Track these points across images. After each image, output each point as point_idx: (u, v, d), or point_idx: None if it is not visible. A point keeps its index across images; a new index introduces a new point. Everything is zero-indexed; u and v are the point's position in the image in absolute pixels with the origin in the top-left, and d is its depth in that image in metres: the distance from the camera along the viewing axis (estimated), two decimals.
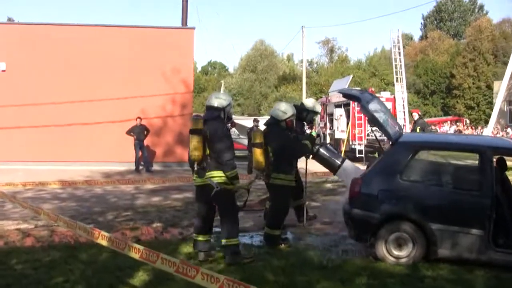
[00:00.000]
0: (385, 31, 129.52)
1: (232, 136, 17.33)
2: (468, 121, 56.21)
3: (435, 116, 67.29)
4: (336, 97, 31.47)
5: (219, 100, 8.26)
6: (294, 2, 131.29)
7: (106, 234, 6.20)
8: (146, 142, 23.64)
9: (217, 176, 7.99)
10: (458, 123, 51.99)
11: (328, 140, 31.76)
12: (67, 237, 9.78)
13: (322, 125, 32.78)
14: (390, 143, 8.49)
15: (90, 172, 21.64)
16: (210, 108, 8.25)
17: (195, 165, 8.26)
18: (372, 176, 8.34)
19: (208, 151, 8.08)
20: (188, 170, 23.58)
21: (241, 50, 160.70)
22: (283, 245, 9.22)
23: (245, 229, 10.70)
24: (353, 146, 28.26)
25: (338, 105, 30.59)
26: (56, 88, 24.29)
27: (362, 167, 9.96)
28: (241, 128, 29.42)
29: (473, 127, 47.57)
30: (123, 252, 6.03)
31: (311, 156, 9.83)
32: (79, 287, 7.00)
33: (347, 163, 9.48)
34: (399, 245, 8.12)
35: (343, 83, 33.35)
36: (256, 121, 23.68)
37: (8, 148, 23.89)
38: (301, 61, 65.35)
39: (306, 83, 55.80)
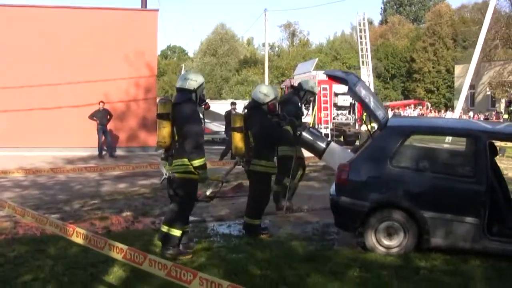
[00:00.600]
0: (345, 15, 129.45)
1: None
2: (429, 105, 56.53)
3: (395, 100, 67.56)
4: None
5: (189, 81, 7.55)
6: None
7: (81, 231, 5.55)
8: (109, 126, 22.96)
9: (182, 164, 7.38)
10: (420, 107, 52.24)
11: None
12: (32, 228, 9.07)
13: None
14: (379, 127, 8.02)
15: (52, 158, 20.85)
16: (180, 90, 7.58)
17: (163, 152, 7.63)
18: (360, 162, 7.86)
19: (176, 137, 7.44)
20: (153, 155, 23.51)
21: (201, 34, 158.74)
22: (263, 235, 8.72)
23: (221, 217, 10.17)
24: (319, 130, 27.95)
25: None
26: (15, 71, 23.27)
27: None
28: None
29: (436, 111, 47.82)
30: (101, 251, 5.37)
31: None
32: (50, 286, 6.36)
33: (333, 145, 8.93)
34: (389, 234, 7.69)
35: (308, 66, 32.97)
36: (233, 104, 22.93)
37: None
38: (262, 45, 64.98)
39: (268, 67, 55.25)
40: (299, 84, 10.88)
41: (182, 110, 7.35)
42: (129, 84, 24.06)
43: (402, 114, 44.05)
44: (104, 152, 22.42)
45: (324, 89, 28.32)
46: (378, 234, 7.70)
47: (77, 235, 5.45)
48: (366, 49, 29.71)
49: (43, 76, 23.24)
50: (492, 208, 7.55)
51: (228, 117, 19.66)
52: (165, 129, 7.35)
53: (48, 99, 23.22)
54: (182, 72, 68.45)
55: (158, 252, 7.53)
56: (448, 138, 8.29)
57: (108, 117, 22.48)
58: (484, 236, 7.46)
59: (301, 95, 10.63)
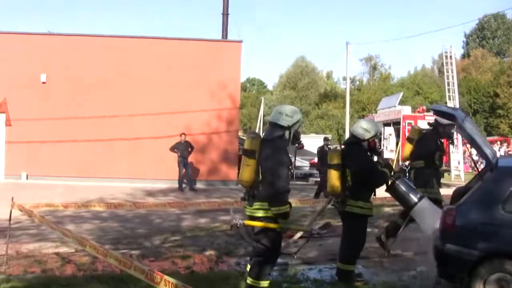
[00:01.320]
0: (426, 48, 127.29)
1: None
2: None
3: None
4: (385, 115, 30.22)
5: (284, 116, 6.73)
6: (333, 19, 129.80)
7: (171, 280, 5.01)
8: (190, 159, 22.77)
9: (261, 208, 6.58)
10: (505, 144, 50.03)
11: (375, 160, 30.47)
12: (112, 265, 8.71)
13: None
14: (489, 167, 7.23)
15: (131, 189, 20.80)
16: (273, 125, 6.82)
17: (245, 192, 6.82)
18: (469, 206, 7.07)
19: (261, 177, 6.63)
20: (234, 189, 23.15)
21: (280, 66, 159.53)
22: (358, 282, 8.02)
23: (309, 260, 9.51)
24: (403, 167, 26.91)
25: (387, 124, 29.35)
26: (98, 101, 23.62)
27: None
28: None
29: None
30: None
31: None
32: None
33: (425, 201, 8.14)
34: (501, 287, 6.86)
35: (393, 100, 31.94)
36: (326, 140, 22.23)
37: (49, 163, 23.25)
38: (343, 79, 64.29)
39: (349, 101, 54.41)
40: (436, 120, 10.16)
41: (271, 148, 6.64)
42: (211, 116, 23.92)
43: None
44: (184, 185, 22.20)
45: (409, 124, 27.32)
46: (487, 287, 6.88)
47: (166, 283, 4.93)
48: (453, 83, 28.55)
49: (125, 106, 23.46)
50: None
51: (321, 153, 18.99)
52: (249, 168, 6.60)
53: (130, 130, 23.43)
54: (262, 106, 68.80)
55: None
56: None
57: (190, 149, 22.31)
58: None
59: (439, 131, 9.93)
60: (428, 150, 9.85)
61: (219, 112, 23.94)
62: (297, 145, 7.26)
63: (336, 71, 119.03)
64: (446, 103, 29.18)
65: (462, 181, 24.03)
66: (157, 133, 23.19)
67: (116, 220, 13.92)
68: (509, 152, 41.77)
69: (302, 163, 29.94)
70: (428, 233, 7.77)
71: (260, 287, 6.75)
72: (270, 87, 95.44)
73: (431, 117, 28.46)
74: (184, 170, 22.12)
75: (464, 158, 26.66)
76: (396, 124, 28.13)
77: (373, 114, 36.11)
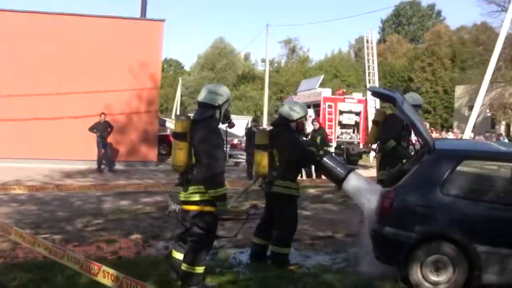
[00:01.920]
0: (343, 33, 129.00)
1: None
2: (428, 125, 55.79)
3: None
4: (305, 97, 30.34)
5: (214, 95, 6.56)
6: (253, 1, 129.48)
7: (111, 271, 4.67)
8: (109, 139, 22.14)
9: (197, 192, 6.38)
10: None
11: None
12: (34, 251, 8.21)
13: None
14: (427, 150, 7.20)
15: (49, 170, 19.98)
16: (202, 105, 6.58)
17: (179, 177, 6.58)
18: (407, 188, 7.04)
19: (194, 160, 6.43)
20: (154, 170, 22.68)
21: (198, 48, 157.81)
22: (292, 266, 7.88)
23: (240, 243, 9.29)
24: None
25: (307, 106, 29.43)
26: (14, 80, 22.42)
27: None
28: None
29: (439, 131, 47.02)
30: None
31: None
32: None
33: (354, 174, 8.06)
34: (437, 269, 6.88)
35: (313, 83, 32.17)
36: (254, 121, 21.98)
37: None
38: (261, 61, 64.33)
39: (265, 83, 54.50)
40: None
41: (202, 129, 6.41)
42: (131, 96, 23.29)
43: None
44: (103, 166, 21.60)
45: (329, 106, 27.64)
46: (424, 269, 6.89)
47: (104, 275, 4.56)
48: (373, 67, 29.05)
49: (43, 86, 22.42)
50: None
51: (249, 134, 18.78)
52: (182, 151, 6.36)
53: (48, 109, 22.43)
54: (179, 86, 67.88)
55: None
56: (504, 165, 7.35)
57: (109, 129, 21.72)
58: None
59: None
60: (395, 131, 9.78)
61: (139, 92, 23.32)
62: (227, 124, 7.06)
63: (254, 53, 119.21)
64: (365, 86, 29.63)
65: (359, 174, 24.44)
66: (76, 113, 22.34)
67: (35, 203, 13.26)
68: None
69: None
70: (363, 207, 7.66)
71: (195, 273, 6.51)
72: (187, 68, 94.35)
73: (351, 100, 28.90)
74: (103, 151, 21.54)
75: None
76: (316, 106, 28.32)
77: (293, 96, 36.20)
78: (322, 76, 35.71)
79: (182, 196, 6.53)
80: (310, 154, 8.16)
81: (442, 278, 6.86)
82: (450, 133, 44.05)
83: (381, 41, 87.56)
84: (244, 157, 27.69)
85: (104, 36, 23.15)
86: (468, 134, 24.53)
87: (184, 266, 6.53)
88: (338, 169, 7.87)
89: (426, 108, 68.08)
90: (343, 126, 28.23)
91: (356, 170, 8.27)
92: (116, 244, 9.15)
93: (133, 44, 23.24)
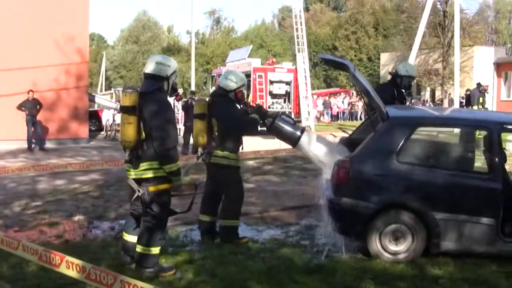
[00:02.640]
0: (267, 4, 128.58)
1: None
2: (354, 93, 56.42)
3: (318, 88, 67.39)
4: (234, 68, 29.99)
5: (162, 66, 6.21)
6: None
7: (76, 261, 4.29)
8: (39, 117, 21.20)
9: (150, 168, 6.08)
10: (345, 94, 51.91)
11: None
12: None
13: None
14: (381, 118, 7.05)
15: None
16: (149, 77, 6.24)
17: (127, 153, 6.18)
18: (363, 158, 6.88)
19: (144, 135, 6.09)
20: (86, 147, 21.96)
21: (120, 22, 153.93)
22: (242, 240, 7.67)
23: (188, 220, 8.97)
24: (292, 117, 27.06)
25: None
26: None
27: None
28: None
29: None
30: None
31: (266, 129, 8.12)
32: None
33: (307, 133, 7.83)
34: (396, 238, 6.81)
35: (243, 53, 31.86)
36: (192, 93, 21.50)
37: None
38: (186, 32, 63.34)
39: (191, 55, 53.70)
40: (396, 71, 9.90)
41: (151, 101, 6.07)
42: (59, 71, 22.24)
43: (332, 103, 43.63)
44: (33, 145, 20.75)
45: (260, 76, 27.43)
46: (383, 239, 6.80)
47: (68, 265, 4.18)
48: (302, 35, 28.86)
49: None
50: (507, 207, 6.77)
51: (186, 107, 18.34)
52: (131, 126, 5.99)
53: None
54: (103, 60, 66.30)
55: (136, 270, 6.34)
56: (456, 131, 7.30)
57: (38, 107, 20.84)
58: (499, 238, 6.70)
59: (398, 82, 9.62)
60: (385, 101, 9.59)
61: (68, 67, 22.34)
62: (175, 96, 6.78)
63: (178, 25, 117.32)
64: (295, 55, 29.51)
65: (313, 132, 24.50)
66: (2, 91, 21.13)
67: None
68: (353, 103, 43.39)
69: None
70: (322, 165, 7.48)
71: (151, 254, 6.21)
72: (110, 43, 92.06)
73: (281, 69, 28.76)
74: (32, 129, 20.66)
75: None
76: (246, 76, 27.98)
77: (221, 67, 35.84)
78: (251, 46, 35.46)
79: (133, 173, 6.18)
80: (251, 122, 7.77)
81: (401, 247, 6.80)
82: None
83: (305, 10, 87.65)
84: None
85: (28, 10, 21.89)
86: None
87: (139, 248, 6.21)
88: (292, 130, 7.64)
89: None
90: (274, 96, 28.08)
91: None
92: (59, 227, 8.75)
93: (59, 17, 22.13)
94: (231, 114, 7.63)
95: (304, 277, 6.15)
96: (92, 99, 26.06)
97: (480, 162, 7.44)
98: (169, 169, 6.05)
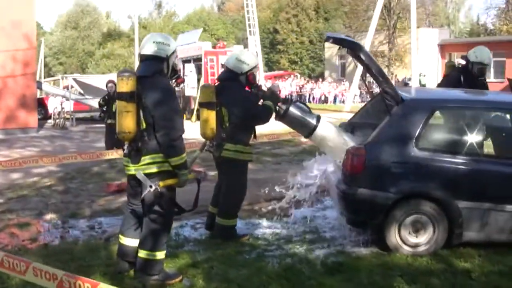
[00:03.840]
0: None
1: (75, 96, 14.29)
2: (298, 75, 56.11)
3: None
4: (184, 52, 29.02)
5: (160, 45, 5.40)
6: None
7: (46, 268, 3.51)
8: None
9: (153, 162, 5.28)
10: (292, 77, 51.52)
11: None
12: None
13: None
14: (395, 101, 6.41)
15: None
16: (146, 59, 5.42)
17: (125, 146, 5.38)
18: (379, 144, 6.26)
19: (144, 125, 5.30)
20: (36, 137, 20.70)
21: (55, 8, 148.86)
22: (243, 238, 6.95)
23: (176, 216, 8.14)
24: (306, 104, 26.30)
25: (187, 60, 28.20)
26: None
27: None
28: (86, 86, 26.20)
29: (312, 81, 47.19)
30: None
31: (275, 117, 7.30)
32: None
33: (324, 121, 7.10)
34: (416, 230, 6.24)
35: (193, 36, 30.79)
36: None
37: None
38: (128, 17, 61.60)
39: (135, 39, 52.14)
40: (466, 56, 8.99)
41: (152, 87, 5.26)
42: (6, 57, 20.87)
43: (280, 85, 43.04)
44: None
45: (211, 60, 26.52)
46: (402, 231, 6.22)
47: (36, 273, 3.38)
48: (253, 18, 28.16)
49: None
50: None
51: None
52: (130, 115, 5.18)
53: None
54: (42, 47, 63.72)
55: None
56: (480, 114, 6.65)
57: None
58: None
59: (469, 69, 8.74)
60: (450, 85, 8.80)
61: (14, 54, 20.97)
62: (175, 79, 5.82)
63: (117, 10, 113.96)
64: (247, 38, 28.81)
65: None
66: None
67: None
68: (301, 86, 42.96)
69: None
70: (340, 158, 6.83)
71: (157, 259, 5.42)
72: (47, 29, 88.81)
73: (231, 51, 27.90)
74: None
75: None
76: (197, 60, 27.16)
77: None
78: (201, 30, 34.43)
79: (133, 169, 5.36)
80: (266, 111, 6.81)
81: (422, 239, 6.26)
82: (325, 82, 44.46)
83: None
84: None
85: None
86: (356, 83, 24.52)
87: (142, 253, 5.42)
88: (308, 118, 6.90)
89: (293, 59, 68.67)
90: None
91: None
92: (31, 228, 7.84)
93: (4, 2, 20.72)
94: (245, 103, 6.76)
95: (327, 278, 5.52)
96: (39, 87, 24.71)
97: (504, 147, 6.89)
98: (175, 162, 5.26)
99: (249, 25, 28.06)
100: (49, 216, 8.41)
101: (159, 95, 5.24)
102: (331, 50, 50.45)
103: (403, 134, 6.24)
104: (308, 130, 6.87)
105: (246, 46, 29.30)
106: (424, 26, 53.13)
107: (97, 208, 8.94)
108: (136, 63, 41.00)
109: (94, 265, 5.99)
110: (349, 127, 7.50)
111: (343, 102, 39.45)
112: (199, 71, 27.11)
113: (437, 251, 6.23)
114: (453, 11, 64.64)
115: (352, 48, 6.48)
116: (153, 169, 5.27)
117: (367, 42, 24.03)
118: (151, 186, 5.16)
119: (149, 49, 5.40)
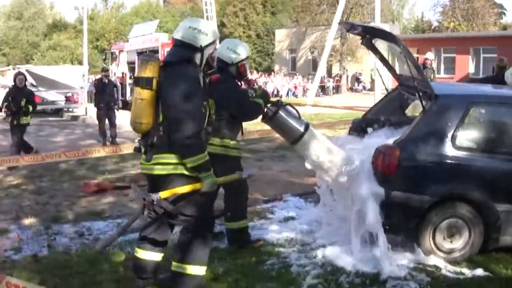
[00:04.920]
0: None
1: (30, 87, 13.08)
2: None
3: None
4: (140, 43, 27.95)
5: (195, 32, 4.59)
6: None
7: (19, 282, 2.89)
8: None
9: (167, 163, 4.46)
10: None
11: (129, 91, 28.27)
12: None
13: (119, 74, 28.79)
14: (428, 96, 5.83)
15: None
16: (179, 45, 4.64)
17: (139, 140, 4.61)
18: (413, 143, 5.68)
19: (161, 118, 4.50)
20: None
21: None
22: (257, 243, 6.26)
23: None
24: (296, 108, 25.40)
25: (142, 52, 27.07)
26: None
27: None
28: (40, 77, 24.84)
29: (265, 75, 46.53)
30: None
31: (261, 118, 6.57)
32: None
33: (312, 129, 6.37)
34: (451, 234, 5.70)
35: (149, 27, 29.68)
36: (105, 70, 18.34)
37: None
38: (74, 8, 59.72)
39: (81, 31, 50.37)
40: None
41: (175, 74, 4.44)
42: None
43: None
44: None
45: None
46: (437, 236, 5.67)
47: None
48: (211, 9, 27.35)
49: None
50: None
51: (100, 86, 16.04)
52: (145, 103, 4.43)
53: None
54: None
55: None
56: None
57: None
58: None
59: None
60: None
61: None
62: (209, 75, 5.16)
63: (61, 0, 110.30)
64: None
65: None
66: None
67: None
68: (251, 78, 42.25)
69: (55, 97, 26.61)
70: (321, 169, 6.21)
71: (187, 273, 4.57)
72: None
73: None
74: None
75: None
76: (153, 52, 26.13)
77: (122, 43, 33.53)
78: (157, 21, 33.42)
79: (146, 167, 4.58)
80: (256, 108, 6.06)
81: (457, 244, 5.73)
82: (278, 76, 43.93)
83: None
84: (82, 110, 25.02)
85: None
86: (318, 78, 24.07)
87: (173, 265, 4.64)
88: (296, 124, 6.18)
89: None
90: None
91: None
92: (11, 235, 6.87)
93: None
94: (234, 96, 6.01)
95: None
96: None
97: None
98: (191, 164, 4.35)
99: (207, 17, 27.23)
100: (28, 221, 7.46)
101: (178, 83, 4.40)
102: (281, 44, 50.05)
103: (439, 132, 5.67)
104: (294, 138, 6.13)
105: None
106: (370, 22, 53.40)
107: (80, 211, 8.04)
108: (85, 55, 39.62)
109: (100, 281, 5.21)
110: (364, 123, 6.92)
111: (295, 95, 39.16)
112: None
113: (472, 257, 5.72)
114: (398, 8, 65.08)
115: (387, 38, 5.84)
116: (165, 170, 4.46)
117: (329, 36, 23.55)
118: (144, 199, 4.36)
119: (181, 34, 4.61)
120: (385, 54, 6.94)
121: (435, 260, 5.64)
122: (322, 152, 6.07)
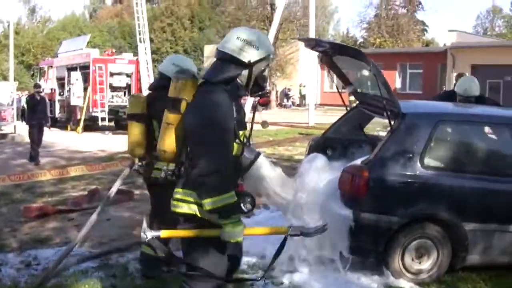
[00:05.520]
0: None
1: None
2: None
3: None
4: (69, 59, 27.07)
5: (243, 45, 3.62)
6: None
7: None
8: None
9: (185, 200, 3.61)
10: None
11: (58, 108, 27.29)
12: None
13: (47, 91, 27.59)
14: (393, 115, 5.68)
15: None
16: (221, 58, 3.69)
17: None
18: (382, 163, 5.51)
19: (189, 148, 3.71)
20: None
21: None
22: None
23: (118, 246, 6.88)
24: (93, 114, 24.54)
25: (72, 68, 26.33)
26: None
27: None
28: None
29: None
30: None
31: None
32: None
33: (262, 159, 5.81)
34: (419, 256, 5.57)
35: (79, 43, 28.81)
36: (38, 86, 17.03)
37: None
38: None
39: (6, 46, 48.59)
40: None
41: (200, 99, 3.60)
42: None
43: None
44: None
45: (100, 68, 24.78)
46: (406, 257, 5.52)
47: None
48: (144, 25, 26.67)
49: None
50: None
51: (33, 103, 15.29)
52: (170, 129, 3.71)
53: None
54: None
55: None
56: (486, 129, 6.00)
57: None
58: None
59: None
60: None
61: None
62: (258, 98, 4.06)
63: None
64: (115, 46, 27.34)
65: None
66: None
67: None
68: None
69: None
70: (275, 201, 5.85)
71: None
72: None
73: (122, 60, 26.29)
74: None
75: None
76: (83, 68, 25.39)
77: (51, 59, 32.46)
78: (89, 35, 32.49)
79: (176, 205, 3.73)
80: None
81: (425, 265, 5.59)
82: None
83: (117, 1, 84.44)
84: (11, 128, 23.79)
85: None
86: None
87: None
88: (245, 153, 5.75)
89: None
90: (114, 89, 25.54)
91: None
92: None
93: None
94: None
95: None
96: None
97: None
98: (207, 206, 3.45)
99: (140, 32, 26.49)
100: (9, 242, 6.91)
101: (201, 109, 3.53)
102: (209, 60, 49.72)
103: (407, 151, 5.52)
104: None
105: (136, 54, 27.74)
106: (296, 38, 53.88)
107: (23, 238, 7.38)
108: (11, 70, 38.07)
109: None
110: (323, 143, 6.75)
111: None
112: (85, 79, 25.32)
113: (440, 278, 5.60)
114: (323, 23, 66.06)
115: (356, 56, 5.66)
116: (178, 208, 3.66)
117: None
118: (144, 233, 3.59)
119: (228, 45, 3.64)
120: (345, 71, 6.80)
121: (404, 283, 5.49)
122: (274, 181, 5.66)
